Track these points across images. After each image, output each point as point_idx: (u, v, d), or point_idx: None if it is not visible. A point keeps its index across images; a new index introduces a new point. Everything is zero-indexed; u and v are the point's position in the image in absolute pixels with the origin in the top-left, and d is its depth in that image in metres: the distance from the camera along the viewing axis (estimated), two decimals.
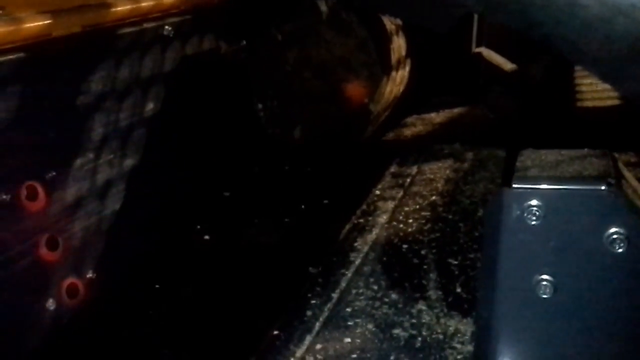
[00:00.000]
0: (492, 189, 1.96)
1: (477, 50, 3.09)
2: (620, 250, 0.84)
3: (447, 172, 2.08)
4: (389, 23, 2.24)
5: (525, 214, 0.89)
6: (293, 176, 2.10)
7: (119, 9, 1.62)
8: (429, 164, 2.16)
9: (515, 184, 0.89)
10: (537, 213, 0.88)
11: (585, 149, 0.99)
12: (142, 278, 1.59)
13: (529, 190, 0.88)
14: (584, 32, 0.75)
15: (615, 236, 0.85)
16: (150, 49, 1.72)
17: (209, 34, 2.03)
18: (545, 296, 0.90)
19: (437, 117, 2.89)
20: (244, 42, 2.19)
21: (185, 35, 1.88)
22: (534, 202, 0.88)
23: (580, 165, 0.92)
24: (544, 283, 0.90)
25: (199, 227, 1.79)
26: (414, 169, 2.14)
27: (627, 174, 0.94)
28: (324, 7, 2.04)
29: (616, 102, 1.87)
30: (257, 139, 2.22)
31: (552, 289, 0.90)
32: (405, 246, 1.58)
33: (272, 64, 2.13)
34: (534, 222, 0.89)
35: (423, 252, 1.56)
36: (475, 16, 2.97)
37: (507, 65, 3.00)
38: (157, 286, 1.59)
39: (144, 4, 1.71)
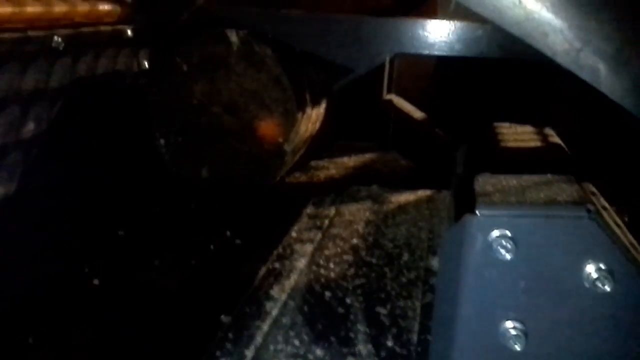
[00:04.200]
0: (414, 232, 1.84)
1: (388, 97, 3.05)
2: (606, 288, 0.71)
3: (367, 214, 1.94)
4: (304, 57, 2.11)
5: (493, 246, 0.74)
6: (200, 215, 1.87)
7: None
8: (347, 206, 2.01)
9: (480, 210, 0.74)
10: (507, 245, 0.73)
11: (548, 174, 0.86)
12: (12, 331, 1.30)
13: (497, 218, 0.73)
14: None
15: (596, 273, 0.71)
16: (34, 61, 1.47)
17: (107, 51, 1.81)
18: (514, 347, 0.75)
19: (349, 161, 2.79)
20: (146, 66, 1.98)
21: (78, 50, 1.65)
22: (503, 231, 0.74)
23: (549, 190, 0.78)
24: (513, 332, 0.75)
25: (86, 269, 1.52)
26: (332, 211, 1.99)
27: (596, 201, 0.82)
28: (234, 38, 1.88)
29: (538, 143, 1.82)
30: (159, 176, 1.98)
31: (523, 338, 0.75)
32: (328, 294, 1.40)
33: (177, 96, 1.92)
34: (502, 256, 0.74)
35: (348, 300, 1.38)
36: (387, 63, 2.95)
37: (417, 113, 2.97)
38: (30, 341, 1.30)
39: (29, 9, 1.47)
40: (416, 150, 2.87)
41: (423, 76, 3.15)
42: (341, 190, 2.19)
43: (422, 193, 2.18)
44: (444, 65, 2.83)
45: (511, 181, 0.83)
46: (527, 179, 0.85)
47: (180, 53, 1.87)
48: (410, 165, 2.76)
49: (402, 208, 2.00)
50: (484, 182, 0.82)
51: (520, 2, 0.66)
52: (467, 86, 2.88)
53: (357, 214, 1.93)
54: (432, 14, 2.17)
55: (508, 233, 0.74)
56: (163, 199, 1.94)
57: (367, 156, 2.86)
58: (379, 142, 2.96)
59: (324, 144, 2.45)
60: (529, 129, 1.93)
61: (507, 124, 2.00)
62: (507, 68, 2.29)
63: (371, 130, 2.97)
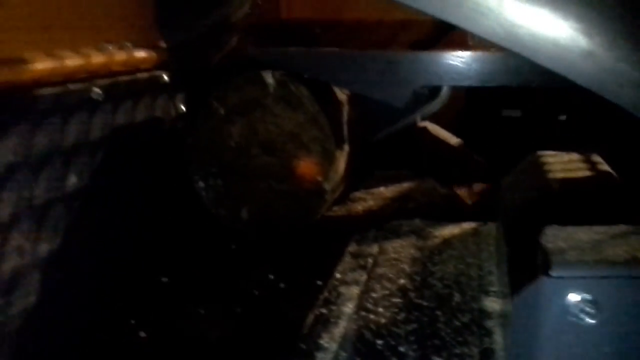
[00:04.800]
0: (462, 269, 1.79)
1: (422, 124, 3.01)
2: None
3: (412, 251, 1.90)
4: (340, 93, 2.09)
5: (572, 311, 0.69)
6: (242, 257, 1.85)
7: (38, 66, 1.39)
8: (390, 242, 1.97)
9: (555, 272, 0.69)
10: (587, 309, 0.68)
11: (621, 225, 0.81)
12: None
13: (575, 280, 0.69)
14: None
15: None
16: (74, 113, 1.48)
17: (144, 98, 1.81)
18: None
19: (386, 191, 2.74)
20: (183, 110, 1.98)
21: (117, 99, 1.65)
22: (582, 295, 0.69)
23: (628, 244, 0.73)
24: None
25: (133, 321, 1.50)
26: (375, 248, 1.95)
27: None
28: (270, 80, 1.87)
29: (587, 172, 1.76)
30: (199, 219, 1.97)
31: None
32: (380, 342, 1.35)
33: (215, 139, 1.91)
34: (582, 321, 0.69)
35: (402, 348, 1.33)
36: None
37: (453, 139, 2.93)
38: None
39: (68, 62, 1.48)
40: (453, 178, 2.82)
41: (457, 102, 3.11)
42: (382, 223, 2.15)
43: (467, 226, 2.12)
44: (477, 90, 2.79)
45: (583, 234, 0.78)
46: (600, 231, 0.80)
47: (216, 97, 1.87)
48: (449, 194, 2.71)
49: (447, 243, 1.94)
50: (554, 236, 0.77)
51: (591, 54, 0.62)
52: (502, 112, 2.83)
53: (401, 251, 1.88)
54: (463, 44, 2.15)
55: (588, 296, 0.69)
56: (204, 241, 1.92)
57: (404, 185, 2.81)
58: (415, 170, 2.91)
59: (361, 176, 2.41)
60: (575, 156, 1.86)
61: (552, 152, 1.93)
62: (547, 94, 2.24)
63: (405, 159, 2.93)
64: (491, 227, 2.03)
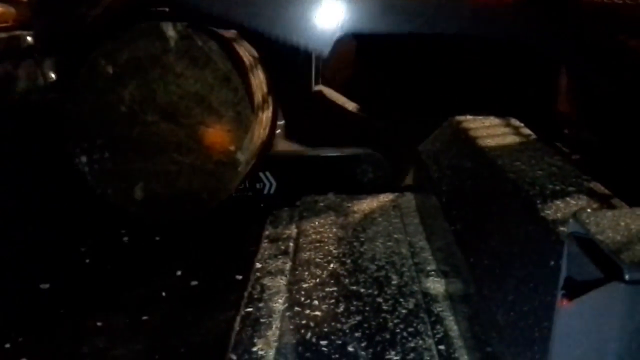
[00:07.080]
0: (392, 247, 1.63)
1: (317, 88, 2.83)
2: None
3: (334, 229, 1.71)
4: (247, 56, 1.83)
5: None
6: (139, 250, 1.57)
7: None
8: (308, 222, 1.77)
9: (632, 275, 0.53)
10: None
11: None
12: None
13: None
14: None
15: None
16: None
17: (3, 66, 1.46)
18: None
19: None
20: (53, 79, 1.64)
21: None
22: None
23: None
24: None
25: (8, 345, 1.20)
26: (293, 229, 1.74)
27: None
28: (171, 32, 1.55)
29: (515, 137, 1.67)
30: (81, 202, 1.66)
31: None
32: (323, 342, 1.16)
33: (100, 104, 1.57)
34: None
35: (350, 347, 1.16)
36: (314, 54, 2.75)
37: (349, 104, 2.77)
38: None
39: None
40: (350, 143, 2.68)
41: (348, 66, 2.96)
42: (291, 199, 1.95)
43: (385, 198, 1.98)
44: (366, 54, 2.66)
45: (628, 219, 0.63)
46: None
47: (102, 53, 1.53)
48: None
49: (369, 218, 1.78)
50: (597, 225, 0.62)
51: None
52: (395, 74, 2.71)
53: (322, 231, 1.70)
54: None
55: None
56: (89, 232, 1.61)
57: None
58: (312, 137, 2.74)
59: (268, 148, 2.18)
60: (495, 121, 1.76)
61: (469, 117, 1.82)
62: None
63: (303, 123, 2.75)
64: (410, 198, 1.91)
